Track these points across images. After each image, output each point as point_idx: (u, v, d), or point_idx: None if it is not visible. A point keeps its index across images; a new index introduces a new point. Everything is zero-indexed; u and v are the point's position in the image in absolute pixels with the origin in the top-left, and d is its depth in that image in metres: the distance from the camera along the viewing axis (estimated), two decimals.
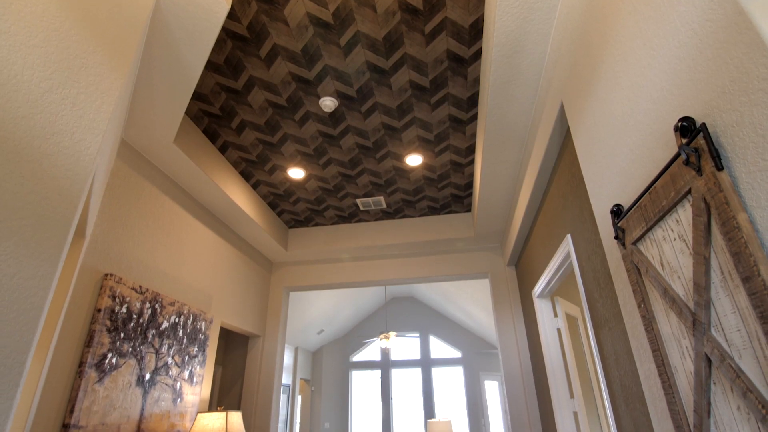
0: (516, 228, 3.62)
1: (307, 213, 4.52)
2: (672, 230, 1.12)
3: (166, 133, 2.73)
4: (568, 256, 2.45)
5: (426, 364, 10.79)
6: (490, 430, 10.14)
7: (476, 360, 10.67)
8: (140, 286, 2.72)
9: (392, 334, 7.47)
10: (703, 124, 0.95)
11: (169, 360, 2.95)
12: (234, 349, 4.69)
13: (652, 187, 1.17)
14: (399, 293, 11.09)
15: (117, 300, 2.52)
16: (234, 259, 4.11)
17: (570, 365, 3.06)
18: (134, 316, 2.65)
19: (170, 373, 2.95)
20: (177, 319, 3.07)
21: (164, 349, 2.91)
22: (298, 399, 10.74)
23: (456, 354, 10.85)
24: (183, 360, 3.10)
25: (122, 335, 2.53)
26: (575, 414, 3.01)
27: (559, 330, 3.25)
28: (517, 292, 4.25)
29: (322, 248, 4.67)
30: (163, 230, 3.07)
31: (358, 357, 11.18)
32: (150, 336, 2.78)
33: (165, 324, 2.94)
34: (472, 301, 8.26)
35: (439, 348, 10.99)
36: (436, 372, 10.77)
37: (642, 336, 1.37)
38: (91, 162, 1.47)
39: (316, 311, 9.01)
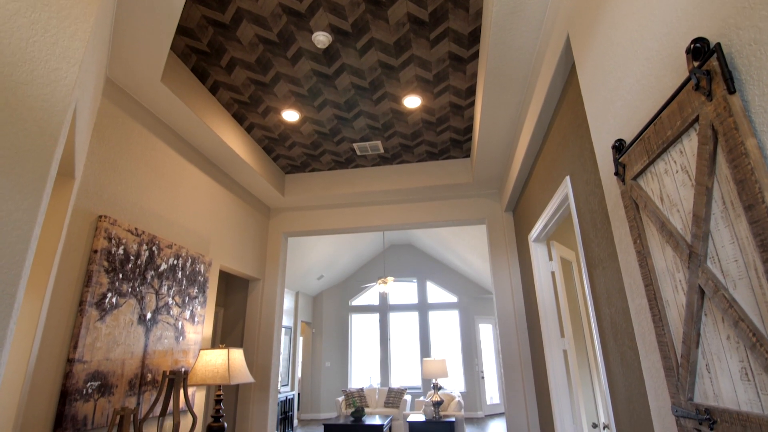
0: (515, 173, 3.57)
1: (304, 158, 4.44)
2: (675, 162, 1.07)
3: (153, 71, 2.60)
4: (566, 198, 2.42)
5: (423, 308, 11.14)
6: (482, 368, 10.66)
7: (471, 304, 11.00)
8: (136, 229, 2.72)
9: (390, 279, 7.62)
10: (718, 45, 0.88)
11: (170, 300, 3.01)
12: (235, 291, 4.79)
13: (658, 117, 1.12)
14: (397, 240, 11.23)
15: (113, 241, 2.52)
16: (231, 204, 4.09)
17: (562, 306, 3.14)
18: (131, 257, 2.66)
19: (171, 312, 3.02)
20: (175, 262, 3.10)
21: (164, 290, 2.95)
22: (300, 340, 11.19)
23: (452, 299, 11.16)
24: (183, 300, 3.16)
25: (121, 276, 2.56)
26: (565, 352, 3.12)
27: (553, 273, 3.30)
28: (513, 237, 4.28)
29: (319, 194, 4.64)
30: (156, 173, 3.02)
31: (357, 301, 11.51)
32: (149, 277, 2.81)
33: (163, 266, 2.96)
34: (468, 247, 8.37)
35: (436, 293, 11.30)
36: (433, 315, 11.14)
37: (635, 272, 1.37)
38: (68, 93, 1.40)
39: (316, 257, 9.15)
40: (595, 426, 3.05)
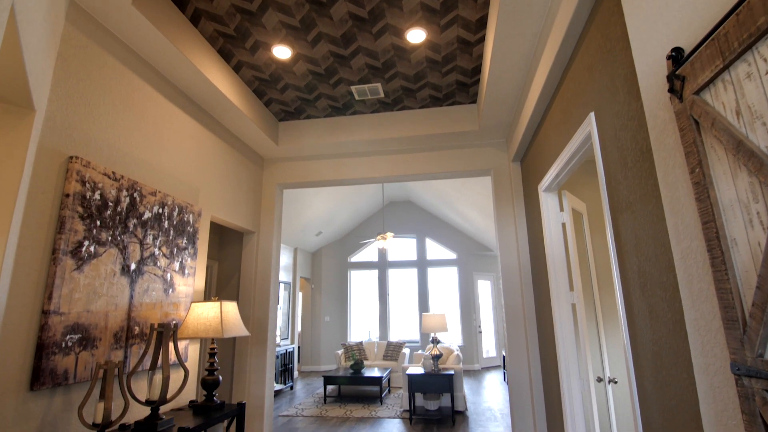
0: (525, 118, 3.30)
1: (298, 103, 4.13)
2: (766, 60, 0.83)
3: None
4: (587, 138, 2.18)
5: (422, 264, 11.10)
6: (480, 323, 10.77)
7: (470, 261, 10.95)
8: (113, 173, 2.48)
9: (390, 234, 7.47)
10: None
11: (156, 251, 2.82)
12: (229, 244, 4.62)
13: (744, 3, 0.86)
14: (396, 197, 11.01)
15: (87, 185, 2.29)
16: (221, 152, 3.82)
17: (572, 259, 2.97)
18: (110, 203, 2.44)
19: (159, 264, 2.84)
20: (161, 210, 2.88)
21: (149, 239, 2.75)
22: (299, 296, 11.22)
23: (451, 255, 11.10)
24: (172, 251, 2.98)
25: (98, 223, 2.35)
26: (573, 306, 2.98)
27: (564, 224, 3.10)
28: (520, 189, 4.05)
29: (315, 143, 4.36)
30: (134, 113, 2.74)
31: (357, 258, 11.46)
32: (131, 226, 2.60)
33: (147, 214, 2.75)
34: (469, 203, 8.16)
35: (435, 250, 11.22)
36: (432, 272, 11.12)
37: (687, 209, 1.16)
38: None
39: (314, 213, 8.97)
40: (600, 380, 2.97)
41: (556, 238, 3.09)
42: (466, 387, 8.05)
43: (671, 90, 1.14)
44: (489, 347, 10.98)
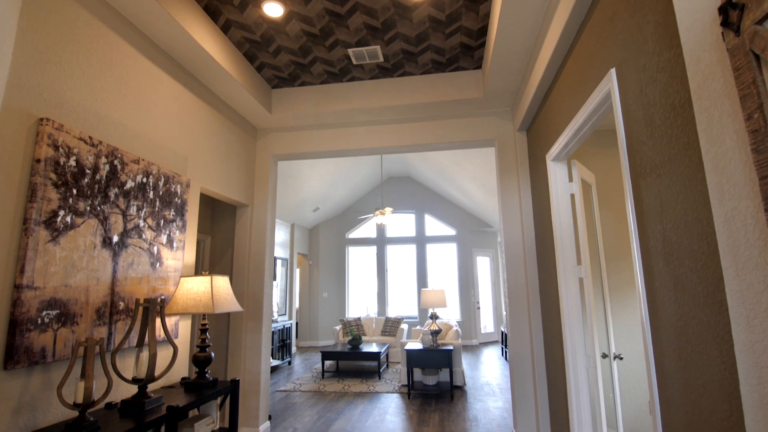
0: (535, 83, 3.10)
1: (291, 68, 3.90)
2: None
3: None
4: (606, 98, 1.99)
5: (420, 240, 10.99)
6: (478, 299, 10.75)
7: (469, 237, 10.85)
8: (90, 138, 2.29)
9: (388, 209, 7.32)
10: None
11: (141, 223, 2.66)
12: (222, 219, 4.46)
13: None
14: (395, 172, 10.81)
15: (61, 151, 2.11)
16: (211, 120, 3.62)
17: (580, 232, 2.82)
18: (87, 170, 2.26)
19: (144, 236, 2.68)
20: (145, 179, 2.71)
21: (132, 210, 2.59)
22: (297, 272, 11.15)
23: (450, 232, 10.99)
24: (158, 224, 2.82)
25: (75, 191, 2.18)
26: (581, 280, 2.86)
27: (572, 195, 2.95)
28: (525, 160, 3.88)
29: (310, 111, 4.15)
30: (113, 74, 2.53)
31: (355, 234, 11.34)
32: (112, 195, 2.43)
33: (130, 183, 2.58)
34: (470, 178, 7.99)
35: (434, 226, 11.10)
36: (430, 248, 11.03)
37: (735, 165, 1.00)
38: None
39: (311, 188, 8.79)
40: (605, 356, 2.87)
41: (564, 209, 2.94)
42: (465, 362, 8.06)
43: (725, 23, 0.96)
44: (487, 323, 11.00)
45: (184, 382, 2.76)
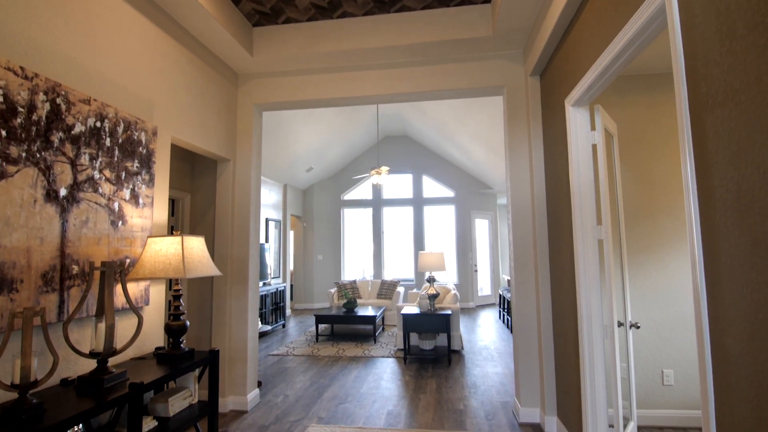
0: (554, 16, 2.66)
1: (274, 0, 3.41)
2: None
3: None
4: (656, 15, 1.59)
5: (418, 202, 10.66)
6: (476, 261, 10.56)
7: (468, 199, 10.52)
8: (22, 68, 1.88)
9: (385, 169, 6.92)
10: None
11: (96, 174, 2.29)
12: (203, 174, 4.08)
13: None
14: (392, 131, 10.32)
15: None
16: (183, 60, 3.16)
17: (602, 188, 2.48)
18: (20, 109, 1.87)
19: (101, 190, 2.32)
20: (98, 124, 2.31)
21: (84, 159, 2.21)
22: (291, 234, 10.86)
23: (449, 193, 10.65)
24: (119, 176, 2.45)
25: (4, 134, 1.79)
26: (600, 242, 2.54)
27: (594, 146, 2.58)
28: (538, 108, 3.47)
29: (297, 53, 3.68)
30: None
31: (350, 195, 10.98)
32: (56, 140, 2.05)
33: (79, 127, 2.18)
34: (472, 136, 7.55)
35: (432, 188, 10.74)
36: (428, 210, 10.72)
37: None
38: None
39: (303, 147, 8.34)
40: (620, 325, 2.60)
41: (584, 162, 2.58)
42: (462, 325, 7.93)
43: None
44: (484, 285, 10.87)
45: (157, 353, 2.48)
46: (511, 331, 7.23)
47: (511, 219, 3.54)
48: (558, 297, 3.11)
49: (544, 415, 3.23)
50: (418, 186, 10.69)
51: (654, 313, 3.32)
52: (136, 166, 2.60)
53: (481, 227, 10.97)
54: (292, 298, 10.55)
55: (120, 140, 2.46)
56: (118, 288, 2.39)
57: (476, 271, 10.59)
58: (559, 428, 3.11)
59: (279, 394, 4.14)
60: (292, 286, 10.68)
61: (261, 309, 7.01)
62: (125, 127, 2.51)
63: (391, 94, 3.82)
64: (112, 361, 2.35)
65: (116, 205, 2.42)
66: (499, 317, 8.67)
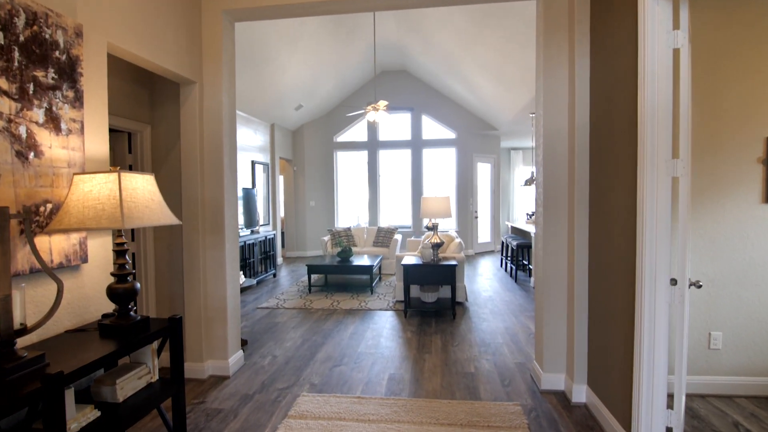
0: None
1: None
2: None
3: None
4: None
5: (417, 145, 9.92)
6: (477, 207, 10.04)
7: (471, 141, 9.80)
8: None
9: (382, 103, 6.15)
10: None
11: None
12: (167, 103, 3.36)
13: None
14: (390, 65, 9.34)
15: None
16: None
17: (683, 109, 1.85)
18: None
19: None
20: None
21: None
22: (281, 179, 10.18)
23: (450, 135, 9.89)
24: (23, 89, 1.76)
25: None
26: (675, 180, 1.95)
27: (677, 52, 1.91)
28: (586, 8, 2.72)
29: None
30: None
31: (344, 137, 10.18)
32: None
33: None
34: (480, 65, 6.71)
35: (432, 128, 9.95)
36: (427, 153, 10.01)
37: None
38: None
39: (291, 81, 7.45)
40: (674, 282, 2.07)
41: (661, 74, 1.91)
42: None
43: None
44: (484, 232, 10.44)
45: (101, 325, 1.92)
46: (516, 281, 6.86)
47: (541, 155, 2.92)
48: (600, 249, 2.56)
49: (572, 383, 2.80)
50: (417, 127, 9.90)
51: (706, 267, 2.81)
52: (53, 78, 1.90)
53: (483, 172, 10.34)
54: (283, 246, 10.07)
55: (21, 38, 1.75)
56: (43, 240, 1.78)
57: (476, 217, 10.09)
58: (590, 398, 2.68)
59: (267, 355, 3.70)
60: (283, 233, 10.16)
61: (249, 258, 6.49)
62: (29, 19, 1.78)
63: None
64: (33, 338, 1.79)
65: (22, 129, 1.76)
66: (501, 265, 8.28)
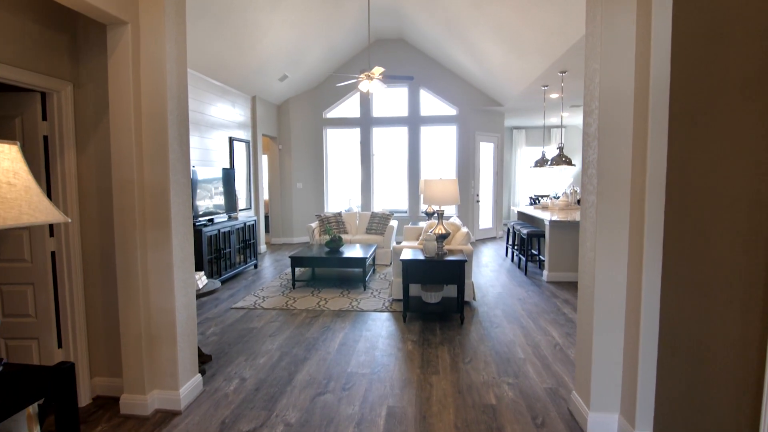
0: None
1: None
2: None
3: None
4: None
5: (414, 122, 9.09)
6: (478, 191, 9.30)
7: (473, 118, 8.99)
8: None
9: (377, 70, 5.32)
10: None
11: None
12: (96, 54, 2.54)
13: None
14: (386, 32, 8.42)
15: None
16: None
17: None
18: None
19: None
20: None
21: None
22: (264, 158, 9.33)
23: (450, 111, 9.06)
24: None
25: None
26: None
27: None
28: None
29: None
30: None
31: (334, 113, 9.30)
32: None
33: None
34: (493, 27, 5.85)
35: (431, 104, 9.11)
36: (425, 131, 9.19)
37: None
38: None
39: (274, 45, 6.55)
40: None
41: None
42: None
43: None
44: (485, 217, 9.73)
45: None
46: (526, 274, 6.17)
47: (595, 124, 2.16)
48: (685, 256, 1.83)
49: (632, 429, 2.11)
50: (414, 102, 9.05)
51: None
52: None
53: (486, 151, 9.56)
54: (267, 232, 9.29)
55: None
56: None
57: (478, 201, 9.36)
58: None
59: (233, 377, 2.97)
60: (267, 218, 9.37)
61: (225, 249, 5.72)
62: None
63: None
64: None
65: None
66: (506, 254, 7.59)
